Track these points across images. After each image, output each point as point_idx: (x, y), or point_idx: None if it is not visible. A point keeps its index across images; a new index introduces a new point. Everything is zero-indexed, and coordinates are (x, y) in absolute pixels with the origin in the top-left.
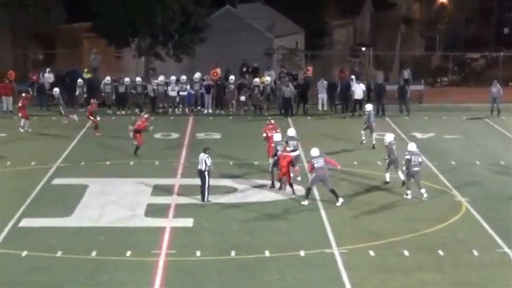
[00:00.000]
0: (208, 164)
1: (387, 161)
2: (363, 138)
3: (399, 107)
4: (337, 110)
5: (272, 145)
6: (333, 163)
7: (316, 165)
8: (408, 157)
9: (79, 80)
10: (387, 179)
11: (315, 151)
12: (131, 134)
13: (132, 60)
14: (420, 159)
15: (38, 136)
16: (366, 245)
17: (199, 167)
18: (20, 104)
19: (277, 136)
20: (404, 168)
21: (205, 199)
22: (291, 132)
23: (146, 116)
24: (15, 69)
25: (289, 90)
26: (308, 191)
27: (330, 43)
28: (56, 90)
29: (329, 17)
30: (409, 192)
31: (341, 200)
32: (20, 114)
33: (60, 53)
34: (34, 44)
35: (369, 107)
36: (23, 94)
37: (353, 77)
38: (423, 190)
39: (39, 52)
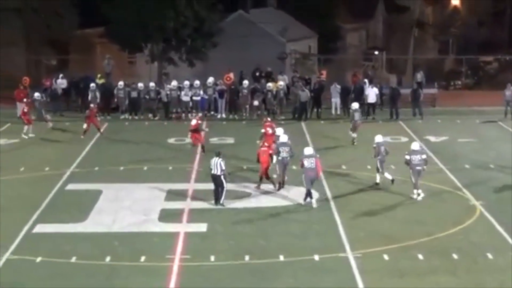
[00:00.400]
0: (223, 168)
1: (378, 162)
2: (354, 137)
3: (412, 111)
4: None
5: (274, 144)
6: (318, 169)
7: (306, 165)
8: (407, 156)
9: (92, 85)
10: (377, 180)
11: (308, 150)
12: (189, 138)
13: (145, 65)
14: (423, 157)
15: (51, 141)
16: (380, 249)
17: (213, 171)
18: (25, 110)
19: (283, 138)
20: (410, 170)
21: (219, 204)
22: (283, 138)
23: (199, 115)
24: (28, 75)
25: (305, 94)
26: (308, 191)
27: (343, 47)
28: (38, 95)
29: (341, 21)
30: (415, 191)
31: (312, 201)
32: (23, 120)
33: (73, 58)
34: (47, 49)
35: (354, 105)
36: (25, 100)
37: (366, 81)
38: (419, 190)
39: (52, 57)
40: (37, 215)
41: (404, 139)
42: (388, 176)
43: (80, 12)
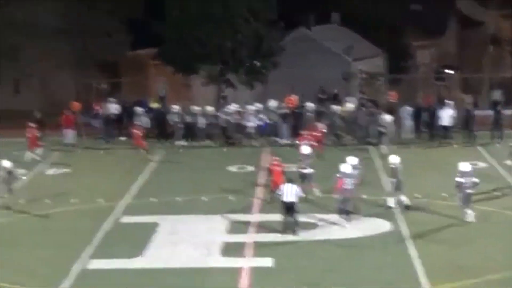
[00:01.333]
0: (300, 195)
1: (394, 184)
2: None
3: (491, 134)
4: (423, 137)
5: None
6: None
7: (345, 186)
8: (460, 179)
9: (139, 109)
10: (391, 204)
11: (347, 167)
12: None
13: (201, 88)
14: (474, 180)
15: (104, 171)
16: (459, 283)
17: (286, 199)
18: (29, 135)
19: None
20: (458, 193)
21: (293, 233)
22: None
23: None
24: (78, 100)
25: (390, 118)
26: (347, 211)
27: (413, 66)
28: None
29: (410, 38)
30: (468, 212)
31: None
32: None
33: (125, 81)
34: (97, 72)
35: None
36: (29, 123)
37: (440, 102)
38: (470, 211)
39: (102, 81)
40: (90, 250)
41: (481, 165)
42: (403, 199)
43: (131, 32)
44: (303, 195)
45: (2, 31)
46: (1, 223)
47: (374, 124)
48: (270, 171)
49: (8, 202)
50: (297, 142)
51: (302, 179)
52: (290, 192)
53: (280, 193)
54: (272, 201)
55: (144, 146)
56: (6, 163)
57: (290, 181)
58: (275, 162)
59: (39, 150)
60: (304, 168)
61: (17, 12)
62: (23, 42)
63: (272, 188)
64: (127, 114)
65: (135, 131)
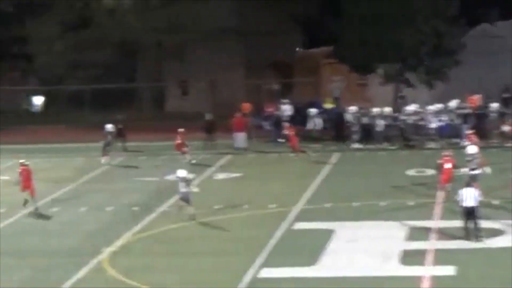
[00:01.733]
0: (480, 199)
1: None
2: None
3: None
4: None
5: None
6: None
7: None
8: None
9: (311, 110)
10: None
11: None
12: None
13: (378, 88)
14: None
15: (276, 175)
16: None
17: (466, 203)
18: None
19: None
20: None
21: (477, 239)
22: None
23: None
24: (248, 101)
25: None
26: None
27: None
28: (108, 126)
29: None
30: None
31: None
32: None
33: (297, 82)
34: (268, 73)
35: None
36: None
37: None
38: None
39: (273, 81)
40: (262, 258)
41: None
42: None
43: (305, 30)
44: (482, 198)
45: (169, 31)
46: (171, 229)
47: None
48: (439, 167)
49: (188, 211)
50: (465, 142)
51: (472, 180)
52: (470, 197)
53: (459, 198)
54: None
55: (299, 149)
56: (182, 173)
57: (468, 185)
58: (447, 158)
59: (186, 156)
60: (474, 169)
61: (184, 11)
62: (190, 42)
63: (441, 183)
64: (299, 116)
65: (291, 133)
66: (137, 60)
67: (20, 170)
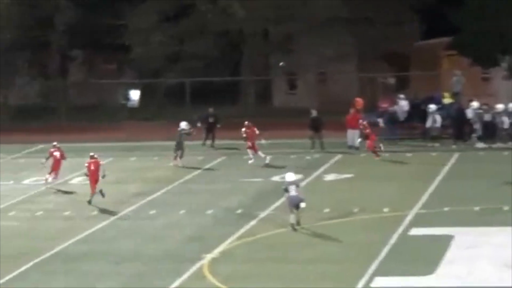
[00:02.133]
0: None
1: None
2: None
3: None
4: None
5: None
6: None
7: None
8: None
9: (431, 106)
10: None
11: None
12: None
13: (503, 82)
14: None
15: (389, 176)
16: None
17: None
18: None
19: None
20: None
21: None
22: None
23: None
24: (362, 96)
25: None
26: None
27: None
28: (183, 124)
29: None
30: None
31: None
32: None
33: (415, 75)
34: (383, 65)
35: None
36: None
37: None
38: None
39: (389, 74)
40: (375, 266)
41: None
42: None
43: (423, 20)
44: None
45: (276, 21)
46: (275, 234)
47: None
48: None
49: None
50: None
51: None
52: None
53: None
54: None
55: (373, 149)
56: (290, 176)
57: None
58: None
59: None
60: None
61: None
62: (298, 32)
63: None
64: (417, 112)
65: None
66: (242, 52)
67: (88, 164)
